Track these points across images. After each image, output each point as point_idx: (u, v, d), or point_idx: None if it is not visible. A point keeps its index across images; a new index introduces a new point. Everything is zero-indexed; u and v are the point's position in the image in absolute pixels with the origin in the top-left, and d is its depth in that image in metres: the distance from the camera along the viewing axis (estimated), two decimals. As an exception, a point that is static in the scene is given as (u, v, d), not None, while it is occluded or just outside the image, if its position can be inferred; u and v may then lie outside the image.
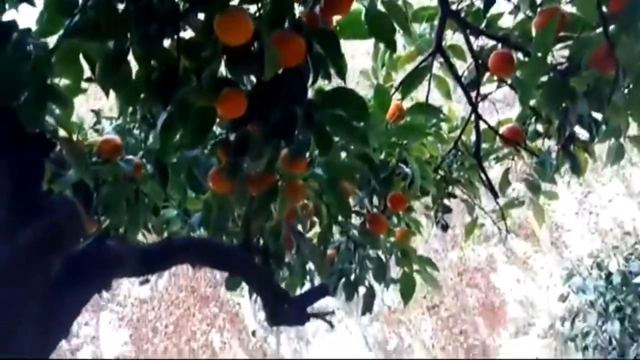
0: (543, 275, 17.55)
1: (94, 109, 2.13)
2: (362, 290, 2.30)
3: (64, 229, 1.10)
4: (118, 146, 1.84)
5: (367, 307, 2.21)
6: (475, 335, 12.67)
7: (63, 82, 1.42)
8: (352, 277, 2.27)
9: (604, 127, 1.86)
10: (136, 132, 2.11)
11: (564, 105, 1.75)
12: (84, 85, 1.71)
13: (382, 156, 2.11)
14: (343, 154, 1.94)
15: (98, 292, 1.38)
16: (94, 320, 14.51)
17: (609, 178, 15.50)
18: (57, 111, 1.45)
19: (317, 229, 2.27)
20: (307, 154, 1.84)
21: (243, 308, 13.61)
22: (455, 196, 2.37)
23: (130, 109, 1.80)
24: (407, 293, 2.31)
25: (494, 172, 2.63)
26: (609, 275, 5.26)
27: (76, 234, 1.14)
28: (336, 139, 1.60)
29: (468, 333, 12.66)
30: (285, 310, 2.04)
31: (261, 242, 2.19)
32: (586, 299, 5.12)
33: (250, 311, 13.73)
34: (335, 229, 2.40)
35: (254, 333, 13.46)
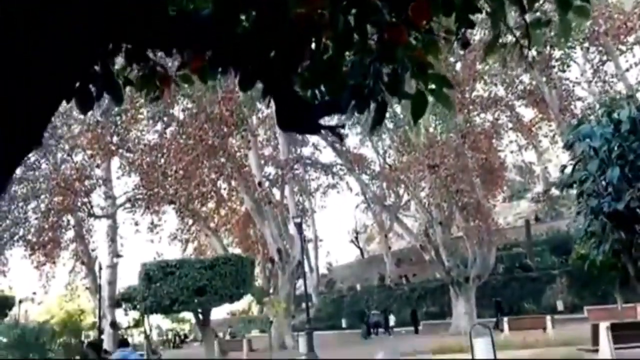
0: (546, 142, 17.74)
1: None
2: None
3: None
4: None
5: (378, 120, 2.22)
6: (472, 194, 13.17)
7: None
8: (366, 91, 2.24)
9: None
10: None
11: None
12: None
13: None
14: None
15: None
16: (105, 164, 15.07)
17: (631, 45, 14.78)
18: None
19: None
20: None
21: (250, 160, 14.03)
22: (480, 11, 2.25)
23: None
24: (418, 111, 2.30)
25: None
26: (618, 123, 5.10)
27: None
28: None
29: (464, 192, 13.14)
30: (298, 116, 2.05)
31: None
32: (590, 146, 5.15)
33: (256, 164, 14.16)
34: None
35: (260, 184, 14.04)
